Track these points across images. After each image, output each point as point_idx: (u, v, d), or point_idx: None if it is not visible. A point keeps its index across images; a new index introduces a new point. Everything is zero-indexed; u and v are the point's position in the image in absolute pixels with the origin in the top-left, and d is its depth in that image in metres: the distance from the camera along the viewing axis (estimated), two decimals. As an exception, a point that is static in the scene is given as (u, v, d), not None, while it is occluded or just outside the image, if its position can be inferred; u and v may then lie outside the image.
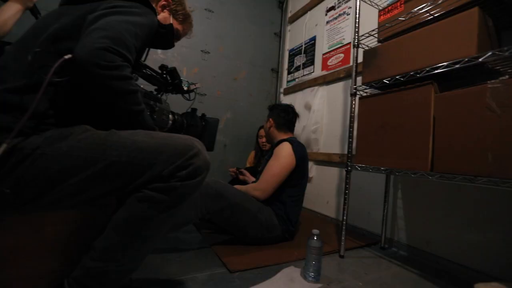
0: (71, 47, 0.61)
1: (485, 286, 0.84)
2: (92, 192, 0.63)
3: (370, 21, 1.63)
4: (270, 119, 1.56)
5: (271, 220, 1.33)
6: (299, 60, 2.58)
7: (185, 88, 1.13)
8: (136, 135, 0.66)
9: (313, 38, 2.41)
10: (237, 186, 1.38)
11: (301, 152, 1.42)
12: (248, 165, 2.33)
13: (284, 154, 1.38)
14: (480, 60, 0.86)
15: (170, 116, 0.95)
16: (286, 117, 1.53)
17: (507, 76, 0.91)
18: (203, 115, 1.10)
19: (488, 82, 0.82)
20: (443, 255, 1.24)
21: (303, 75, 2.48)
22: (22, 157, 0.57)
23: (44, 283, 0.69)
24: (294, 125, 1.59)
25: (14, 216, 0.66)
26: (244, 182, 1.75)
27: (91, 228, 0.74)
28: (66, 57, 0.60)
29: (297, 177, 1.41)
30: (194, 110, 1.08)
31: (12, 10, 1.03)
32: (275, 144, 1.52)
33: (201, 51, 2.42)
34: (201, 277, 0.97)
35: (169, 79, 1.07)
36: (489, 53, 0.84)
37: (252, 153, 2.38)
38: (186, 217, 1.16)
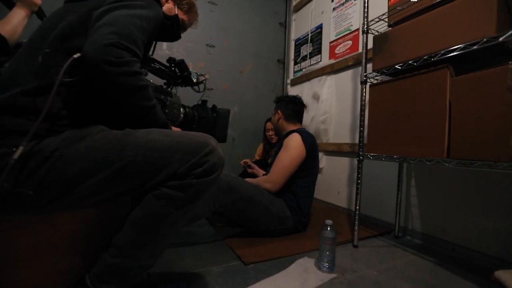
0: (80, 45, 0.61)
1: (505, 274, 0.82)
2: (110, 192, 0.64)
3: (379, 5, 1.58)
4: (279, 111, 1.55)
5: (283, 211, 1.33)
6: (306, 50, 2.53)
7: (194, 80, 1.11)
8: (150, 134, 0.66)
9: (320, 26, 2.36)
10: (248, 180, 1.38)
11: (311, 142, 1.41)
12: (257, 157, 2.33)
13: (293, 145, 1.37)
14: (500, 39, 0.81)
15: (181, 109, 0.95)
16: (294, 107, 1.52)
17: (529, 56, 0.87)
18: (214, 106, 1.09)
19: (510, 62, 0.78)
20: (460, 243, 1.22)
21: (310, 65, 2.44)
22: (42, 159, 0.58)
23: (64, 279, 0.71)
24: (302, 116, 1.59)
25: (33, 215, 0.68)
26: (254, 175, 1.75)
27: (108, 226, 0.75)
28: (75, 56, 0.60)
29: (307, 167, 1.40)
30: (204, 102, 1.07)
31: (19, 17, 1.03)
32: (284, 135, 1.50)
33: (206, 45, 2.40)
34: (216, 270, 0.99)
35: (177, 72, 1.06)
36: (511, 32, 0.79)
37: (261, 146, 2.38)
38: (199, 211, 1.17)
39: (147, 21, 0.69)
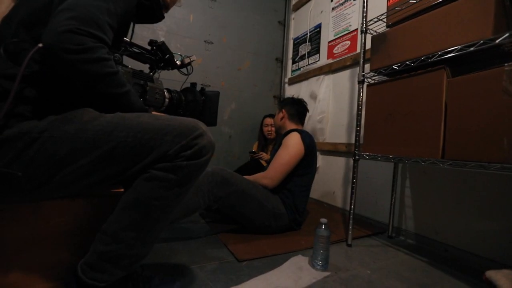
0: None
1: (496, 274, 0.82)
2: (100, 173, 0.63)
3: (378, 6, 1.58)
4: (283, 110, 1.58)
5: (279, 208, 1.33)
6: (304, 49, 2.53)
7: (178, 63, 1.07)
8: (141, 116, 0.66)
9: (319, 26, 2.36)
10: (246, 176, 1.38)
11: (309, 141, 1.43)
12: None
13: (292, 143, 1.39)
14: (496, 42, 0.82)
15: (166, 93, 0.90)
16: (299, 109, 1.58)
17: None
18: (202, 89, 1.04)
19: (506, 64, 0.79)
20: (453, 244, 1.23)
21: (308, 64, 2.44)
22: (30, 140, 0.58)
23: (54, 272, 0.70)
24: (304, 118, 1.63)
25: (23, 206, 0.67)
26: (252, 169, 1.79)
27: (100, 219, 0.75)
28: (40, 45, 0.57)
29: (305, 165, 1.41)
30: (193, 84, 1.03)
31: (5, 4, 1.00)
32: (283, 134, 1.52)
33: (205, 41, 2.38)
34: (209, 266, 0.98)
35: (160, 55, 1.02)
36: (507, 34, 0.80)
37: (256, 144, 2.37)
38: (193, 205, 1.17)
39: (114, 3, 0.65)
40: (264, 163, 2.10)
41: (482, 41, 0.86)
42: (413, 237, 1.40)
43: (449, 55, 0.95)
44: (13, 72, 0.59)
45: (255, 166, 2.03)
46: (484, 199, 1.15)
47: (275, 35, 2.78)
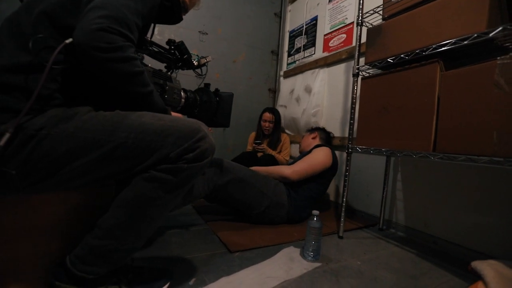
0: (73, 24, 0.58)
1: (481, 264, 0.84)
2: (98, 174, 0.62)
3: (374, -2, 1.56)
4: (316, 132, 1.75)
5: (280, 197, 1.36)
6: (300, 42, 2.51)
7: (195, 63, 1.07)
8: (143, 116, 0.64)
9: (315, 18, 2.33)
10: (266, 167, 1.48)
11: (336, 160, 1.55)
12: (249, 146, 2.32)
13: (323, 153, 1.49)
14: (490, 35, 0.82)
15: (182, 93, 0.91)
16: (328, 136, 1.78)
17: (517, 52, 0.88)
18: (217, 90, 1.05)
19: (498, 58, 0.79)
20: (442, 236, 1.26)
21: (304, 57, 2.42)
22: (26, 138, 0.56)
23: (44, 262, 0.69)
24: (331, 143, 1.79)
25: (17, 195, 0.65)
26: (247, 161, 1.85)
27: (92, 209, 0.74)
28: (67, 41, 0.57)
29: (324, 176, 1.49)
30: (207, 85, 1.03)
31: None
32: (312, 148, 1.61)
33: (199, 32, 2.35)
34: (201, 257, 0.98)
35: (177, 55, 1.02)
36: (500, 28, 0.80)
37: (253, 134, 2.35)
38: (191, 193, 1.17)
39: (142, 3, 0.66)
40: (260, 154, 2.11)
41: (476, 35, 0.86)
42: (404, 230, 1.43)
43: (443, 49, 0.95)
44: (18, 64, 0.58)
45: (250, 157, 2.03)
46: (472, 193, 1.17)
47: (271, 27, 2.75)
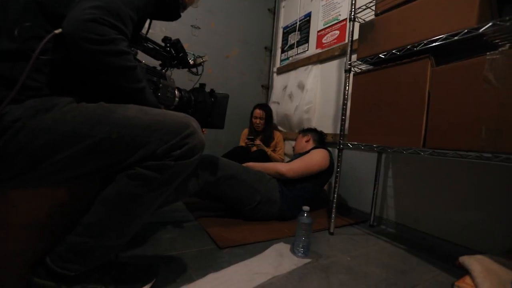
0: (63, 12, 0.55)
1: (469, 259, 0.85)
2: (81, 169, 0.59)
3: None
4: (309, 134, 1.76)
5: (272, 193, 1.36)
6: (293, 38, 2.49)
7: (191, 62, 1.05)
8: (128, 110, 0.61)
9: (308, 14, 2.32)
10: (261, 163, 1.48)
11: (333, 162, 1.55)
12: (241, 143, 2.30)
13: (321, 155, 1.51)
14: (480, 31, 0.82)
15: (177, 92, 0.89)
16: (321, 137, 1.77)
17: (507, 47, 0.88)
18: (212, 90, 1.03)
19: (487, 53, 0.79)
20: (431, 232, 1.27)
21: (297, 54, 2.41)
22: (1, 129, 0.53)
23: (21, 260, 0.66)
24: (325, 143, 1.79)
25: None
26: (238, 156, 1.84)
27: (73, 206, 0.71)
28: (56, 31, 0.55)
29: (320, 177, 1.50)
30: (202, 85, 1.01)
31: None
32: (310, 149, 1.62)
33: (191, 26, 2.30)
34: (190, 253, 0.96)
35: (173, 53, 0.99)
36: (490, 24, 0.80)
37: (246, 131, 2.33)
38: (181, 190, 1.15)
39: None
40: (254, 149, 2.10)
41: (466, 30, 0.86)
42: (394, 226, 1.43)
43: (434, 44, 0.95)
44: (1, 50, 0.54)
45: (241, 152, 2.01)
46: (461, 190, 1.18)
47: (265, 23, 2.72)
